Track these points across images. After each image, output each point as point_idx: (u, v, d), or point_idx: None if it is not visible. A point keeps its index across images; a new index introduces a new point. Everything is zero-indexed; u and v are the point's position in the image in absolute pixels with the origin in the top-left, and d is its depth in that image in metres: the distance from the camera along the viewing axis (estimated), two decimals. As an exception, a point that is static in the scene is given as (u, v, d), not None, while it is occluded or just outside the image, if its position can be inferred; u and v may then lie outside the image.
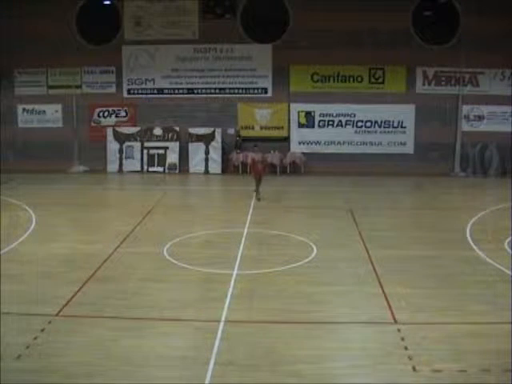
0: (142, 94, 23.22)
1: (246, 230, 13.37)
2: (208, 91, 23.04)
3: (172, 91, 23.12)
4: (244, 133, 23.00)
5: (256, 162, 17.90)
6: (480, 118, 22.52)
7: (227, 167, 22.72)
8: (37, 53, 22.10)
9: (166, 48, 22.70)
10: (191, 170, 22.86)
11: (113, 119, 23.43)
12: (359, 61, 21.99)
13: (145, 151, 23.05)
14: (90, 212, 15.82)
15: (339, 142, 22.96)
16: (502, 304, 8.71)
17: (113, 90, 23.21)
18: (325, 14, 21.17)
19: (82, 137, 23.26)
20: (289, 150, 22.94)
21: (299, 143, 23.07)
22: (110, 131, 23.08)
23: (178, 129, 22.87)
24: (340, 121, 22.87)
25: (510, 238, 12.32)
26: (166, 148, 22.98)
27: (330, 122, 22.93)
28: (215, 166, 22.72)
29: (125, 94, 23.26)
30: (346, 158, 22.60)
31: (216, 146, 22.63)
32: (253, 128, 23.11)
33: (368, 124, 22.84)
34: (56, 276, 10.11)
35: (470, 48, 21.13)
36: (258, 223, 14.12)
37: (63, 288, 9.40)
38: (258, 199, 16.71)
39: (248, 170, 19.95)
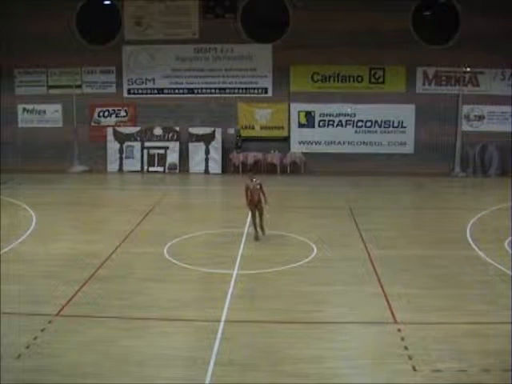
0: (142, 93, 23.21)
1: (246, 230, 13.36)
2: (208, 91, 23.03)
3: (172, 91, 23.11)
4: (244, 132, 22.98)
5: (251, 189, 12.69)
6: (480, 117, 22.50)
7: (227, 167, 22.73)
8: (37, 53, 22.08)
9: (166, 48, 22.67)
10: (191, 169, 22.84)
11: (113, 119, 23.42)
12: (359, 61, 21.97)
13: (145, 151, 23.02)
14: (90, 212, 15.82)
15: (339, 142, 22.94)
16: (501, 304, 8.72)
17: (113, 89, 23.20)
18: (325, 14, 21.19)
19: (81, 137, 23.20)
20: (289, 149, 22.93)
21: (299, 143, 23.05)
22: (110, 131, 23.06)
23: (178, 129, 22.87)
24: (340, 121, 22.86)
25: (510, 238, 12.33)
26: (166, 148, 22.97)
27: (330, 122, 22.92)
28: (215, 166, 22.70)
29: (125, 94, 23.25)
30: (346, 157, 22.58)
31: (216, 145, 22.61)
32: (253, 128, 23.10)
33: (368, 124, 22.82)
34: (56, 276, 10.12)
35: (469, 48, 21.11)
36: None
37: (63, 288, 9.42)
38: (256, 238, 12.64)
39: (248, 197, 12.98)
